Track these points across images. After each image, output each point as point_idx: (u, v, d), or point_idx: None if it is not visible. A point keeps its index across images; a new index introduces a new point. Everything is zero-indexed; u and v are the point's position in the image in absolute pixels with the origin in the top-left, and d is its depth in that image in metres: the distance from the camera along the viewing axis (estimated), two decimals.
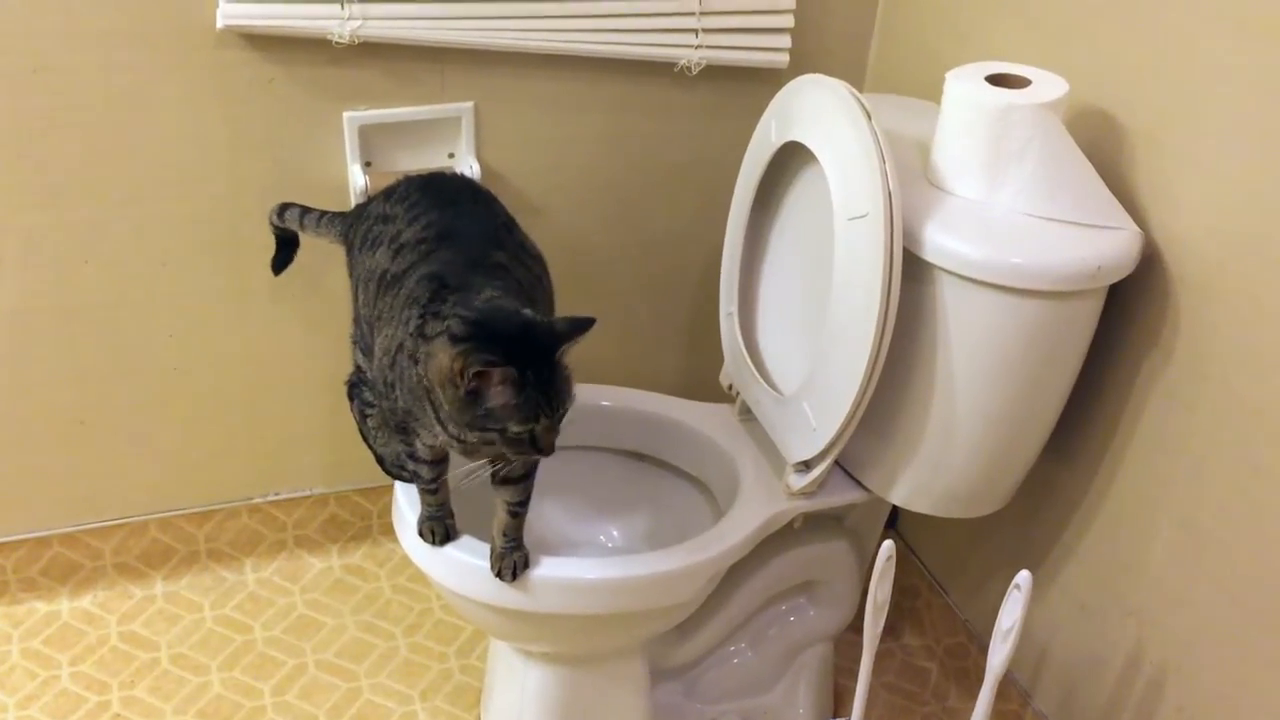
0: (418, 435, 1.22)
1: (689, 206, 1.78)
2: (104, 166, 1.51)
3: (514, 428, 1.09)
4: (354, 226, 1.38)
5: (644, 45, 1.61)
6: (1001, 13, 1.46)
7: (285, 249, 1.54)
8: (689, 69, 1.63)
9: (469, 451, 1.18)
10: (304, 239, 1.53)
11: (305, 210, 1.48)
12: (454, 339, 1.08)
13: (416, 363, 1.13)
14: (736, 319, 1.55)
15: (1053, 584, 1.50)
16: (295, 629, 1.78)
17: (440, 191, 1.33)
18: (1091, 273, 1.20)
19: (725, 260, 1.56)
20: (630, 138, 1.71)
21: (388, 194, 1.35)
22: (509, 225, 1.33)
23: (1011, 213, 1.24)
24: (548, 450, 1.12)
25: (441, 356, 1.09)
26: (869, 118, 1.24)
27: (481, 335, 1.08)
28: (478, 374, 1.06)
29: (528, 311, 1.12)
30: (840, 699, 1.70)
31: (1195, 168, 1.19)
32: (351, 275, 1.37)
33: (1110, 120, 1.29)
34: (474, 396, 1.08)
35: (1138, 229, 1.24)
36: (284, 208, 1.49)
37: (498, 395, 1.08)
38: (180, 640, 1.75)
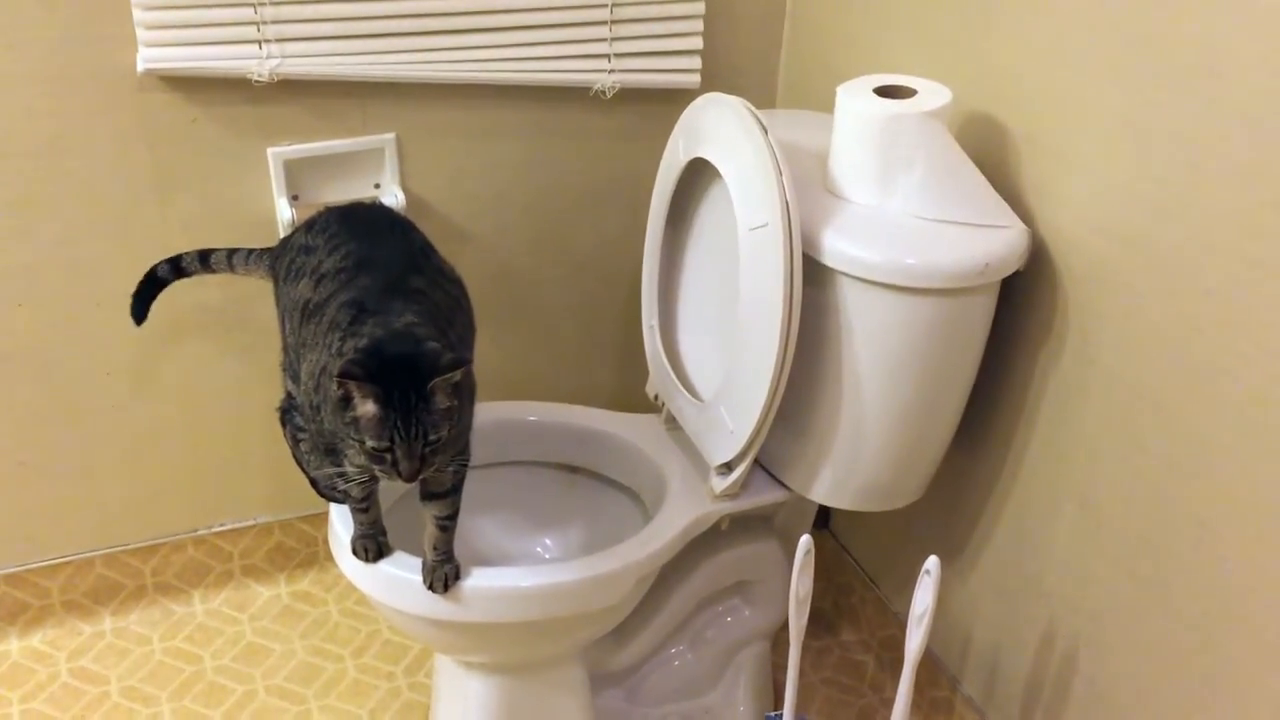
0: (345, 456, 1.26)
1: (611, 226, 1.84)
2: (33, 210, 1.55)
3: (369, 441, 1.14)
4: (279, 259, 1.42)
5: (558, 72, 1.67)
6: (894, 28, 1.53)
7: (150, 293, 1.54)
8: (604, 93, 1.69)
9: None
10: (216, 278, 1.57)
11: (231, 251, 1.52)
12: (353, 350, 1.14)
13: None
14: (658, 331, 1.61)
15: (973, 571, 1.56)
16: (244, 657, 1.81)
17: (359, 221, 1.38)
18: (980, 269, 1.27)
19: (645, 275, 1.62)
20: (551, 162, 1.77)
21: (309, 226, 1.40)
22: (426, 251, 1.38)
23: (904, 216, 1.31)
24: (406, 476, 1.15)
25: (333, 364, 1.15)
26: (765, 132, 1.30)
27: (371, 351, 1.14)
28: (341, 381, 1.11)
29: (433, 344, 1.16)
30: (779, 695, 1.74)
31: (1074, 167, 1.26)
32: (278, 305, 1.41)
33: (994, 125, 1.36)
34: (346, 404, 1.13)
35: (1024, 226, 1.31)
36: (206, 254, 1.53)
37: (361, 405, 1.13)
38: (130, 673, 1.77)
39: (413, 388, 1.12)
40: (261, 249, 1.50)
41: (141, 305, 1.54)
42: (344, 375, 1.11)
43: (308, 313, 1.29)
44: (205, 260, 1.53)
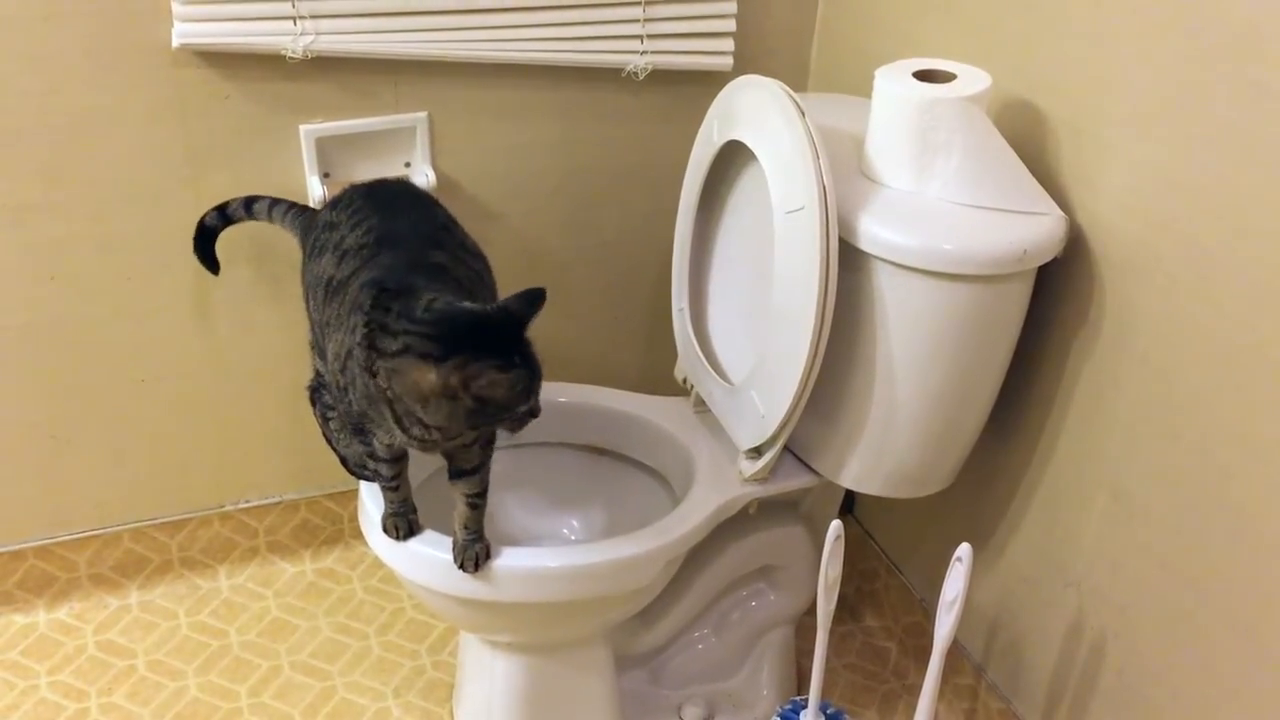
0: (374, 435, 1.27)
1: (642, 207, 1.83)
2: (66, 185, 1.55)
3: (521, 408, 1.16)
4: (307, 234, 1.43)
5: (591, 52, 1.66)
6: (932, 12, 1.52)
7: (209, 243, 1.58)
8: (636, 74, 1.69)
9: (427, 448, 1.23)
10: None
11: (274, 202, 1.54)
12: (430, 358, 1.12)
13: (373, 374, 1.16)
14: (688, 314, 1.61)
15: (1000, 560, 1.56)
16: (270, 632, 1.82)
17: (381, 197, 1.38)
18: (1018, 256, 1.26)
19: (675, 258, 1.61)
20: (582, 142, 1.76)
21: (334, 203, 1.40)
22: (448, 226, 1.37)
23: (941, 202, 1.30)
24: (538, 411, 1.19)
25: (422, 375, 1.12)
26: (803, 115, 1.29)
27: (453, 341, 1.12)
28: (490, 381, 1.12)
29: (469, 304, 1.17)
30: (803, 680, 1.74)
31: (1114, 153, 1.25)
32: (303, 281, 1.41)
33: (1033, 111, 1.35)
34: (480, 402, 1.13)
35: (1062, 213, 1.30)
36: (251, 200, 1.55)
37: (500, 390, 1.13)
38: (157, 647, 1.78)
39: (518, 342, 1.16)
40: (301, 208, 1.51)
41: (205, 258, 1.58)
42: (496, 370, 1.12)
43: (331, 290, 1.28)
44: (249, 206, 1.55)
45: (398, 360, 1.14)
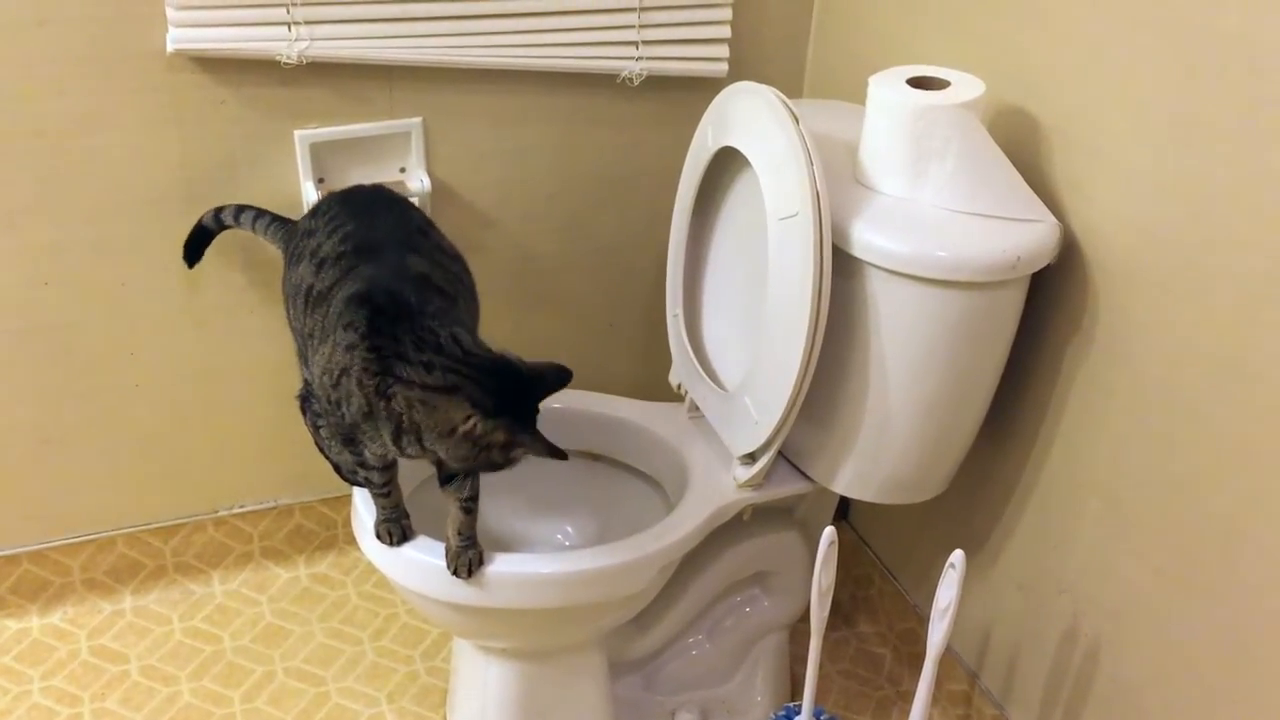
0: (365, 446, 1.26)
1: (637, 213, 1.83)
2: (61, 189, 1.55)
3: (532, 455, 1.20)
4: (288, 243, 1.43)
5: (586, 58, 1.66)
6: (926, 19, 1.52)
7: (201, 243, 1.60)
8: (631, 80, 1.69)
9: (416, 458, 1.24)
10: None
11: (258, 214, 1.54)
12: (480, 407, 1.16)
13: (385, 397, 1.16)
14: (682, 319, 1.61)
15: (993, 566, 1.56)
16: (263, 638, 1.82)
17: (356, 203, 1.38)
18: (1012, 263, 1.26)
19: (670, 263, 1.61)
20: (577, 148, 1.76)
21: (313, 211, 1.40)
22: (424, 229, 1.37)
23: (935, 208, 1.30)
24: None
25: (463, 418, 1.16)
26: (796, 121, 1.29)
27: (505, 398, 1.17)
28: (532, 452, 1.19)
29: (513, 358, 1.21)
30: (797, 686, 1.75)
31: (1107, 162, 1.25)
32: (283, 290, 1.40)
33: (1027, 118, 1.35)
34: (507, 460, 1.19)
35: (1055, 221, 1.30)
36: (240, 209, 1.55)
37: (528, 455, 1.20)
38: (150, 652, 1.78)
39: (535, 407, 1.21)
40: (282, 220, 1.51)
41: (191, 254, 1.60)
42: (537, 446, 1.18)
43: (311, 301, 1.28)
44: (238, 215, 1.56)
45: (434, 394, 1.15)
